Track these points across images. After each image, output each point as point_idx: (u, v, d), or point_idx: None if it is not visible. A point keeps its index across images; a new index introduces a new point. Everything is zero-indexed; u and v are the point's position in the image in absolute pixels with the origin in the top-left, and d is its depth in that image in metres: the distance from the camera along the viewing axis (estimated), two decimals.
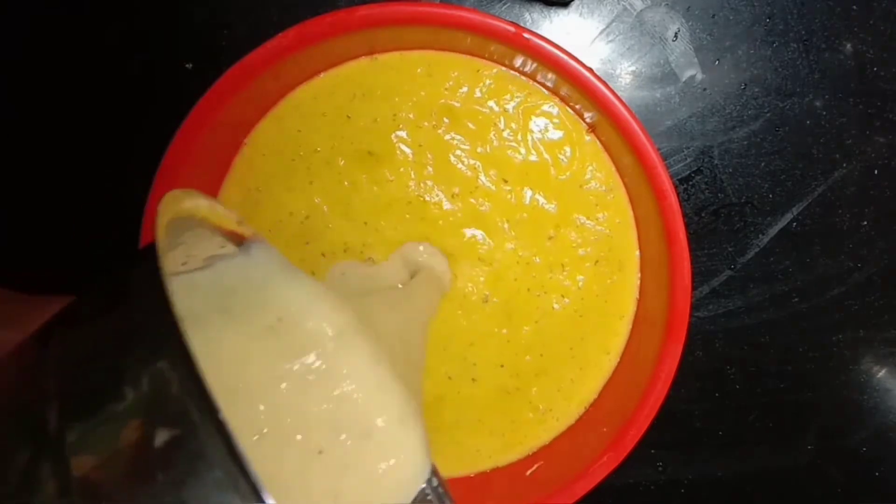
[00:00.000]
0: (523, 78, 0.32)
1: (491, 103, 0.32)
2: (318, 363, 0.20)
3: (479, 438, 0.33)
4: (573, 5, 0.35)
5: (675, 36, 0.35)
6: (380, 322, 0.25)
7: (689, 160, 0.36)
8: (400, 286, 0.32)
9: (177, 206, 0.20)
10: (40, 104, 0.36)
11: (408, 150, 0.33)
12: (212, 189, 0.33)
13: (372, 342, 0.21)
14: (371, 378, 0.20)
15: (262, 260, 0.22)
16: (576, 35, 0.35)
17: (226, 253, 0.22)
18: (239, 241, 0.23)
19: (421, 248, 0.33)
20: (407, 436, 0.21)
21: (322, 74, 0.32)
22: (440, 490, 0.22)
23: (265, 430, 0.19)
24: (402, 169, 0.33)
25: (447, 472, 0.34)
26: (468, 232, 0.33)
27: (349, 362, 0.20)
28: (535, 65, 0.31)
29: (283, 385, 0.19)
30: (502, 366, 0.33)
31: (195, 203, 0.21)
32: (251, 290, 0.21)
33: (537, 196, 0.33)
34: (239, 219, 0.23)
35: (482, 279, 0.33)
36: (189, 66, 0.35)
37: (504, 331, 0.33)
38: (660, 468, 0.37)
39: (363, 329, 0.21)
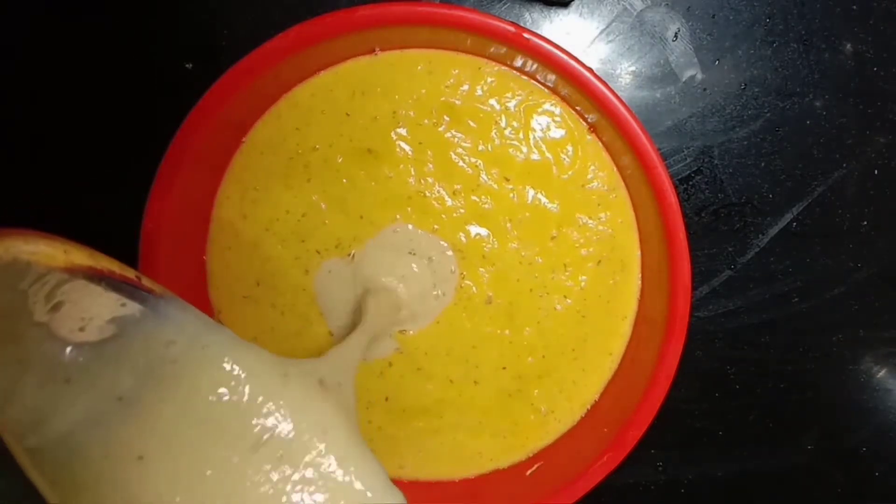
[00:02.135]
0: (524, 76, 0.32)
1: (492, 101, 0.32)
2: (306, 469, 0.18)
3: (480, 440, 0.33)
4: (573, 5, 0.34)
5: (675, 36, 0.35)
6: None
7: (689, 160, 0.35)
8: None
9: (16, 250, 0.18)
10: (40, 104, 0.35)
11: (407, 148, 0.32)
12: (211, 188, 0.32)
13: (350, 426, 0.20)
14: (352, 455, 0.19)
15: (182, 320, 0.20)
16: (576, 35, 0.34)
17: (128, 313, 0.20)
18: (137, 294, 0.20)
19: (423, 238, 0.32)
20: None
21: (322, 73, 0.32)
22: None
23: None
24: (401, 166, 0.32)
25: (447, 474, 0.33)
26: (473, 230, 0.32)
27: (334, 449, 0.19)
28: (535, 65, 0.30)
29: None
30: (504, 368, 0.32)
31: (49, 250, 0.19)
32: (191, 365, 0.19)
33: (539, 195, 0.32)
34: (130, 269, 0.20)
35: (486, 280, 0.32)
36: (189, 66, 0.34)
37: (506, 332, 0.32)
38: (660, 468, 0.36)
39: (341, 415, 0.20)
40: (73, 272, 0.19)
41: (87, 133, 0.35)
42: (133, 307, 0.20)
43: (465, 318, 0.32)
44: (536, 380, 0.32)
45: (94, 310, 0.19)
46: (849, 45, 0.34)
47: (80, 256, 0.19)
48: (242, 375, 0.19)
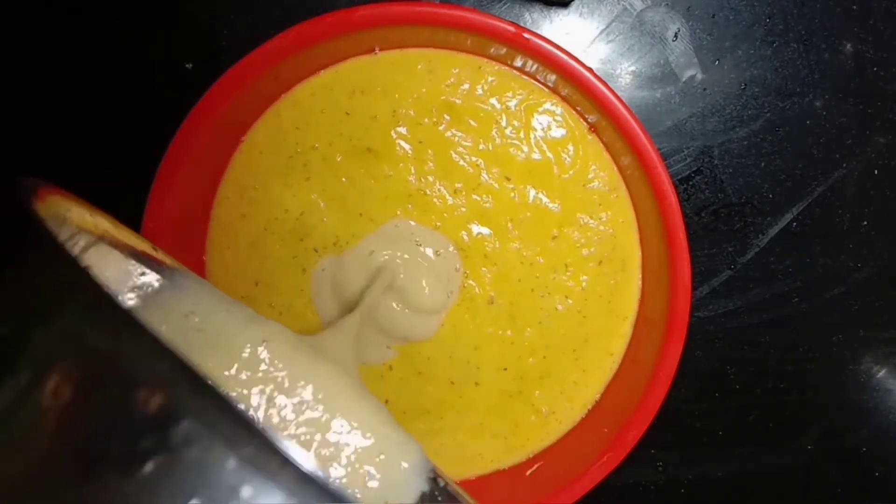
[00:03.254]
0: (525, 76, 0.31)
1: (493, 100, 0.31)
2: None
3: (481, 442, 0.32)
4: (573, 5, 0.34)
5: (675, 36, 0.35)
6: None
7: (689, 160, 0.35)
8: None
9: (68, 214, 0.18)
10: (40, 104, 0.34)
11: (407, 147, 0.31)
12: (210, 188, 0.32)
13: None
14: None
15: (199, 291, 0.20)
16: (576, 35, 0.34)
17: (147, 282, 0.20)
18: (153, 265, 0.20)
19: (426, 233, 0.32)
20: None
21: (321, 72, 0.31)
22: (449, 489, 0.20)
23: None
24: (401, 165, 0.31)
25: (448, 475, 0.34)
26: (475, 229, 0.32)
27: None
28: (535, 65, 0.30)
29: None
30: (505, 369, 0.32)
31: (88, 217, 0.19)
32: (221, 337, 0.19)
33: (540, 195, 0.31)
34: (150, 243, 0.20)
35: (488, 280, 0.32)
36: (189, 66, 0.34)
37: (508, 333, 0.32)
38: (660, 468, 0.36)
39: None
40: (99, 236, 0.20)
41: (87, 133, 0.35)
42: (151, 277, 0.20)
43: (468, 320, 0.32)
44: (537, 380, 0.32)
45: (116, 277, 0.20)
46: (849, 45, 0.34)
47: (104, 222, 0.20)
48: (262, 351, 0.19)
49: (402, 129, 0.31)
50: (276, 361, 0.19)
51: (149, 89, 0.34)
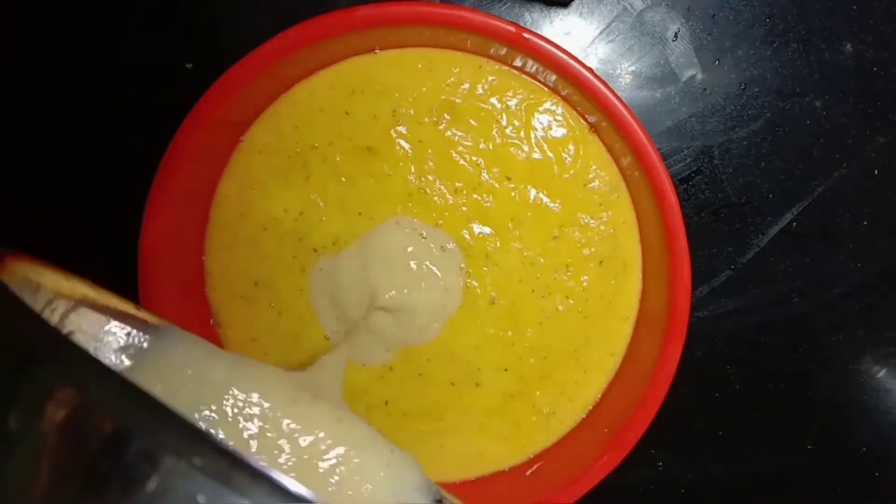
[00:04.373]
0: (525, 76, 0.31)
1: (493, 100, 0.31)
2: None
3: (481, 443, 0.32)
4: (573, 5, 0.33)
5: (675, 36, 0.35)
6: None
7: (689, 160, 0.35)
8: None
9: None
10: (40, 104, 0.34)
11: (407, 146, 0.31)
12: (209, 188, 0.32)
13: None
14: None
15: (189, 347, 0.19)
16: (576, 35, 0.34)
17: (136, 343, 0.20)
18: (139, 324, 0.20)
19: (430, 229, 0.31)
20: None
21: (321, 71, 0.31)
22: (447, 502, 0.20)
23: None
24: (401, 164, 0.31)
25: (448, 477, 0.32)
26: (476, 228, 0.31)
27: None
28: (536, 65, 0.30)
29: None
30: (506, 370, 0.31)
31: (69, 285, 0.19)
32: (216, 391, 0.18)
33: (541, 195, 0.31)
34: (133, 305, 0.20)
35: (490, 280, 0.31)
36: (189, 66, 0.34)
37: (509, 333, 0.31)
38: (660, 468, 0.35)
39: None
40: (78, 300, 0.19)
41: (87, 133, 0.35)
42: (139, 336, 0.20)
43: (469, 321, 0.31)
44: (538, 381, 0.32)
45: (103, 338, 0.19)
46: (849, 45, 0.34)
47: (81, 286, 0.19)
48: (255, 397, 0.19)
49: (402, 129, 0.31)
50: (273, 408, 0.19)
51: (149, 89, 0.34)
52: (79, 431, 0.13)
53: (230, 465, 0.12)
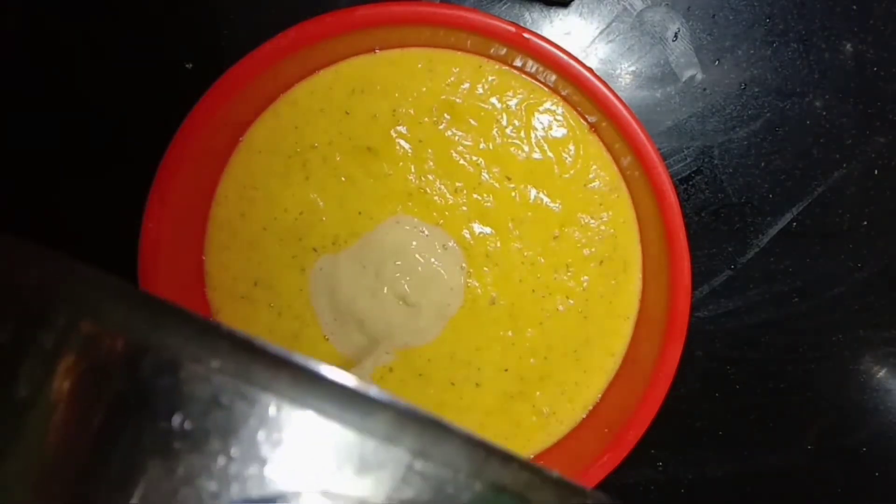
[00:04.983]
0: (525, 76, 0.31)
1: (493, 100, 0.31)
2: None
3: None
4: (573, 5, 0.33)
5: (675, 36, 0.35)
6: None
7: (689, 160, 0.34)
8: None
9: None
10: (40, 104, 0.34)
11: (407, 146, 0.31)
12: (209, 188, 0.32)
13: None
14: None
15: None
16: (576, 35, 0.33)
17: None
18: None
19: (430, 228, 0.31)
20: None
21: (321, 71, 0.31)
22: None
23: None
24: (401, 164, 0.31)
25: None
26: (476, 228, 0.31)
27: None
28: (536, 65, 0.29)
29: None
30: (506, 370, 0.31)
31: None
32: None
33: (541, 195, 0.31)
34: None
35: (490, 280, 0.31)
36: (189, 66, 0.34)
37: (509, 333, 0.31)
38: (660, 468, 0.35)
39: None
40: None
41: (87, 133, 0.35)
42: None
43: (470, 321, 0.31)
44: (539, 381, 0.31)
45: None
46: (849, 45, 0.34)
47: None
48: None
49: (402, 129, 0.31)
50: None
51: (149, 89, 0.34)
52: (96, 359, 0.13)
53: (249, 359, 0.12)
